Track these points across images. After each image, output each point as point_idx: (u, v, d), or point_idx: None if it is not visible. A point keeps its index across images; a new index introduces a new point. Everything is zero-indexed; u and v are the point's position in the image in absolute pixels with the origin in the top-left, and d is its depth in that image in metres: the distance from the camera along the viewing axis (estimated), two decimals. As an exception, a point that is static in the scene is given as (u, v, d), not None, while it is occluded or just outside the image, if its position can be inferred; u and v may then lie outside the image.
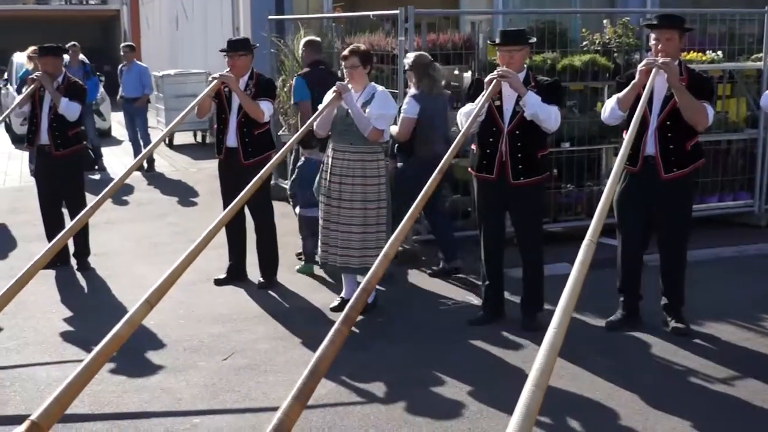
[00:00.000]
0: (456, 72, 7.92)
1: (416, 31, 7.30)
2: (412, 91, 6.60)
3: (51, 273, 6.84)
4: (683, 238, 5.41)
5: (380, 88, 5.78)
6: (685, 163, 5.25)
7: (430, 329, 5.57)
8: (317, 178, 6.01)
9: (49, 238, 7.18)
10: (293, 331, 5.53)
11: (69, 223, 7.12)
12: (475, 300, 6.10)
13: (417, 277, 6.75)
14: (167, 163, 13.02)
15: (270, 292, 6.39)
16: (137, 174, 11.11)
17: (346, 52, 5.74)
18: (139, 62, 12.52)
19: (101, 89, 14.28)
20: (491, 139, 5.39)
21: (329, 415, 4.26)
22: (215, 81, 6.16)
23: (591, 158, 8.06)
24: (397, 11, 7.06)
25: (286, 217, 7.86)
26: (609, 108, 5.38)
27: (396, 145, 6.74)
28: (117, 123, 17.06)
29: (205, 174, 11.76)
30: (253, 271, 6.64)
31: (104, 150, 12.96)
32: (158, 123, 15.09)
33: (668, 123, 5.20)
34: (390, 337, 5.41)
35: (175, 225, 8.75)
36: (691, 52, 8.08)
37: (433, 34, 7.63)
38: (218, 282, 6.58)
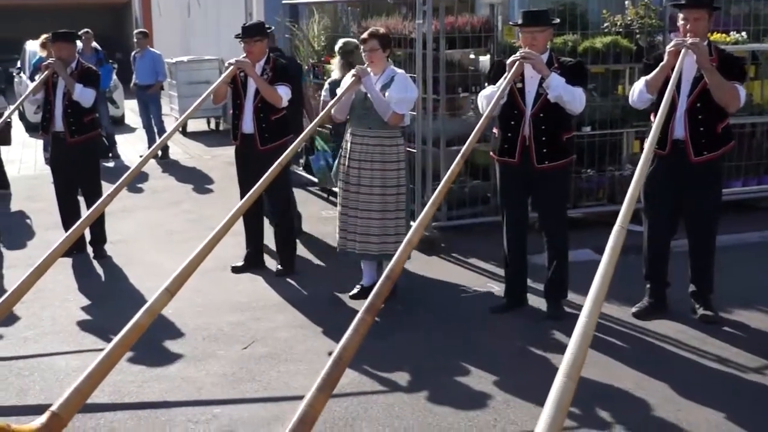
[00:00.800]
0: (471, 56, 7.78)
1: (434, 14, 7.17)
2: (333, 75, 7.04)
3: (68, 261, 6.79)
4: (713, 224, 5.28)
5: (399, 71, 5.67)
6: (715, 146, 5.12)
7: (452, 317, 5.47)
8: (335, 163, 5.91)
9: (66, 225, 7.13)
10: (313, 319, 5.45)
11: (85, 211, 7.09)
12: (496, 287, 6.01)
13: (436, 264, 6.65)
14: (181, 150, 12.94)
15: (288, 279, 6.30)
16: (152, 161, 11.03)
17: (365, 35, 5.62)
18: (152, 49, 12.41)
19: (114, 77, 14.20)
20: (513, 123, 5.28)
21: (352, 405, 4.18)
22: (231, 67, 6.05)
23: (612, 143, 7.92)
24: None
25: (302, 205, 7.79)
26: (637, 91, 5.25)
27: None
28: (130, 110, 16.99)
29: (219, 161, 11.67)
30: (270, 258, 6.56)
31: (118, 138, 12.90)
32: (171, 110, 14.98)
33: (698, 105, 5.07)
34: (411, 326, 5.31)
35: (190, 212, 8.68)
36: (715, 33, 7.91)
37: (451, 17, 7.49)
38: (236, 269, 6.50)
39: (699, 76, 5.04)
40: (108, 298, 6.07)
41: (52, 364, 4.82)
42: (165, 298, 3.96)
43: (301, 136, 5.06)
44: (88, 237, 7.08)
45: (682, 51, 4.88)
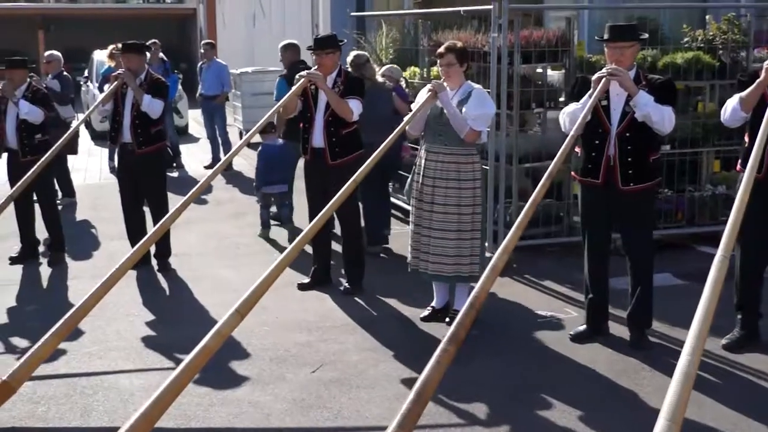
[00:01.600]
0: (539, 70, 7.50)
1: (508, 27, 6.95)
2: None
3: (132, 274, 6.70)
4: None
5: (477, 86, 5.46)
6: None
7: (529, 344, 5.23)
8: (408, 180, 5.71)
9: (131, 236, 7.08)
10: (383, 341, 5.25)
11: (150, 221, 7.03)
12: (573, 312, 5.74)
13: (508, 286, 6.40)
14: (245, 161, 12.89)
15: (356, 298, 6.12)
16: (215, 172, 10.97)
17: (441, 49, 5.42)
18: (218, 60, 12.41)
19: (179, 87, 14.26)
20: (597, 142, 5.02)
21: (429, 438, 3.97)
22: (302, 79, 5.91)
23: (692, 162, 7.60)
24: (490, 6, 6.72)
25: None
26: (730, 108, 4.95)
27: None
28: (193, 120, 17.08)
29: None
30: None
31: (182, 148, 12.88)
32: (235, 120, 15.00)
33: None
34: (487, 352, 5.08)
35: (255, 225, 8.54)
36: None
37: (525, 30, 7.27)
38: (302, 287, 6.34)
39: (799, 95, 4.72)
40: (173, 313, 5.96)
41: (117, 383, 4.70)
42: (235, 320, 3.82)
43: (376, 152, 4.88)
44: (152, 249, 7.00)
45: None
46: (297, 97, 6.02)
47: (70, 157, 9.92)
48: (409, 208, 8.15)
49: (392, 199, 8.61)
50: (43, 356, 4.21)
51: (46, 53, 10.23)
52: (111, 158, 12.10)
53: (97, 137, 14.68)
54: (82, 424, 4.21)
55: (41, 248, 7.50)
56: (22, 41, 27.66)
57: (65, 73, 9.92)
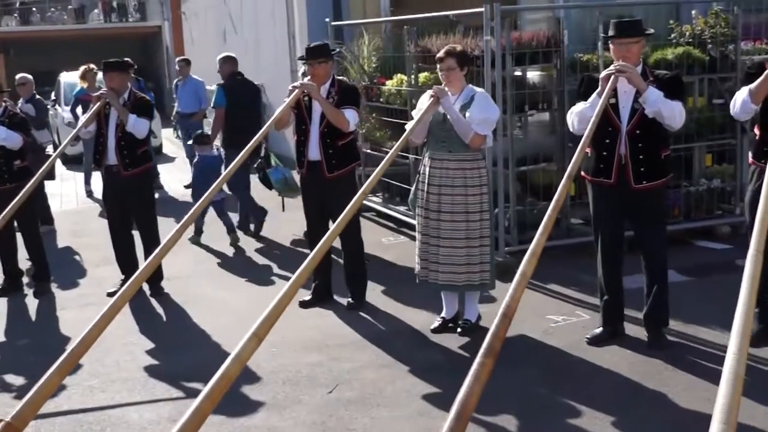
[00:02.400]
0: (528, 73, 7.37)
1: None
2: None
3: (125, 300, 6.45)
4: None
5: (479, 90, 5.33)
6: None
7: (547, 349, 5.10)
8: (412, 189, 5.56)
9: (120, 260, 6.85)
10: (397, 357, 5.08)
11: (139, 244, 6.79)
12: (585, 315, 5.63)
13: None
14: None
15: (361, 313, 5.95)
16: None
17: (441, 54, 5.28)
18: (194, 76, 12.16)
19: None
20: (608, 141, 4.92)
21: (462, 456, 3.80)
22: (296, 91, 5.74)
23: (686, 157, 7.54)
24: (481, 9, 6.60)
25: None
26: (740, 101, 4.85)
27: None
28: (166, 140, 16.79)
29: (272, 192, 11.32)
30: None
31: (159, 168, 12.63)
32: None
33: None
34: (507, 360, 4.88)
35: (245, 243, 8.36)
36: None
37: (515, 32, 7.17)
38: (304, 304, 6.15)
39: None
40: (173, 339, 5.74)
41: (125, 417, 4.48)
42: (253, 343, 3.59)
43: (382, 164, 4.71)
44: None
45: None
46: (291, 109, 5.85)
47: (45, 183, 9.62)
48: (404, 218, 8.07)
49: (386, 210, 8.46)
50: (47, 394, 3.95)
51: (18, 76, 9.95)
52: (87, 182, 11.81)
53: (69, 161, 14.33)
54: (95, 462, 4.00)
55: (25, 279, 7.23)
56: (-19, 67, 27.14)
57: (38, 96, 9.65)
